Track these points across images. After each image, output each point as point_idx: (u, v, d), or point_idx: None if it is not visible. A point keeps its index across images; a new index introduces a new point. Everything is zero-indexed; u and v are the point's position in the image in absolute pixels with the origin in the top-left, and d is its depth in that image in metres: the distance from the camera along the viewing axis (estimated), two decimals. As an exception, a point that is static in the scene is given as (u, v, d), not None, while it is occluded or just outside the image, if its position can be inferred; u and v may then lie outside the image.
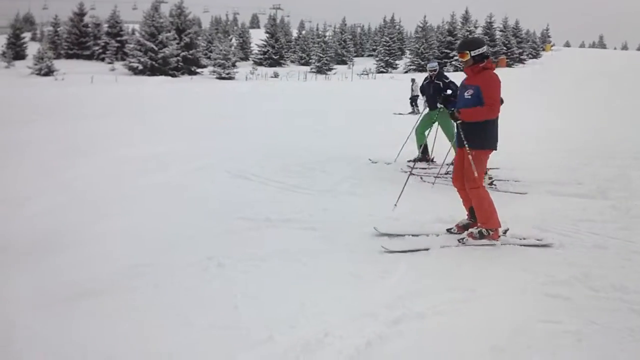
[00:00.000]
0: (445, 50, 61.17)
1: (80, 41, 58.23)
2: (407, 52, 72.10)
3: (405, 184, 5.80)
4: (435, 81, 9.07)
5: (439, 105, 8.01)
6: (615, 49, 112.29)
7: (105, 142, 10.72)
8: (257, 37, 76.43)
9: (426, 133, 9.00)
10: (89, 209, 5.95)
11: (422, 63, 56.51)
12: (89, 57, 57.53)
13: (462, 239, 4.90)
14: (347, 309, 3.50)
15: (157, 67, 47.53)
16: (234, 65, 50.77)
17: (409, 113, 20.55)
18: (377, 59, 68.73)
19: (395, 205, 5.49)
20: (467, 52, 4.94)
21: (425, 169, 8.74)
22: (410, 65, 63.13)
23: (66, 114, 16.43)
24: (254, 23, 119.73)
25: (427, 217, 5.63)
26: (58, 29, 61.76)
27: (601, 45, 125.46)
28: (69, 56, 57.17)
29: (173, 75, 47.52)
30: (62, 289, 3.75)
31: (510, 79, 35.24)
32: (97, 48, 57.91)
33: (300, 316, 3.38)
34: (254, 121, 16.17)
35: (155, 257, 4.40)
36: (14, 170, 7.85)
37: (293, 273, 4.14)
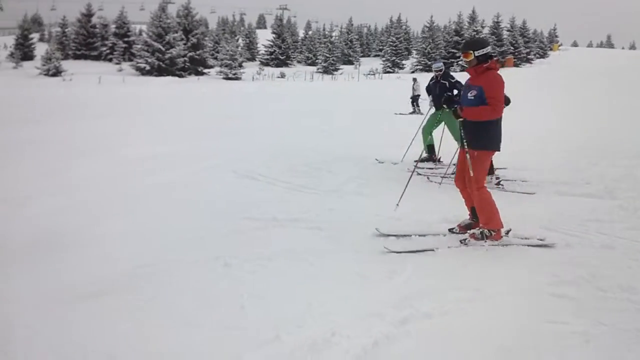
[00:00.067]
0: (452, 50, 60.97)
1: (88, 42, 58.46)
2: (414, 52, 71.91)
3: (408, 183, 5.78)
4: (441, 81, 9.06)
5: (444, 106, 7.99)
6: (623, 48, 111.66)
7: (111, 142, 10.77)
8: (264, 38, 76.45)
9: (433, 133, 9.00)
10: (94, 209, 5.98)
11: (429, 63, 56.31)
12: (97, 58, 57.73)
13: (464, 239, 4.88)
14: (354, 308, 3.50)
15: (164, 68, 47.64)
16: (240, 66, 50.81)
17: (410, 113, 20.51)
18: (384, 59, 68.60)
19: (397, 205, 5.49)
20: (471, 52, 4.91)
21: (432, 169, 8.73)
22: (417, 65, 62.99)
23: (73, 114, 16.51)
24: (261, 23, 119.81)
25: (434, 217, 5.63)
26: (66, 30, 61.99)
27: (609, 44, 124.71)
28: (76, 57, 57.39)
29: (180, 76, 47.62)
30: (66, 288, 3.77)
31: (518, 79, 35.18)
32: (104, 49, 58.11)
33: (307, 316, 3.39)
34: (260, 121, 16.19)
35: (162, 257, 4.42)
36: (24, 169, 7.89)
37: (300, 273, 4.15)
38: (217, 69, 51.51)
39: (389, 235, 4.99)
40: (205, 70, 52.88)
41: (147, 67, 47.27)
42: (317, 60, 69.86)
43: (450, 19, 68.93)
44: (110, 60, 56.33)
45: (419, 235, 5.03)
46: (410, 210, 5.75)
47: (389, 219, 5.49)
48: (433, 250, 4.69)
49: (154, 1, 55.32)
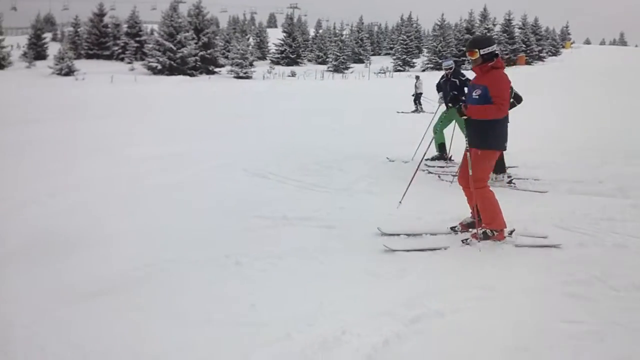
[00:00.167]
0: (463, 48, 60.54)
1: (100, 41, 58.88)
2: (425, 50, 71.69)
3: (411, 181, 5.77)
4: (452, 79, 9.01)
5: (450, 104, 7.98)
6: (636, 46, 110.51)
7: (123, 142, 10.82)
8: (275, 37, 76.63)
9: (444, 131, 8.97)
10: (107, 207, 6.02)
11: (440, 61, 56.18)
12: (109, 57, 58.13)
13: (466, 239, 4.84)
14: (365, 307, 3.50)
15: (175, 67, 47.90)
16: (251, 65, 50.98)
17: (413, 111, 20.43)
18: (394, 57, 68.53)
19: (400, 202, 5.47)
20: (476, 50, 4.83)
21: (442, 167, 8.69)
22: (428, 64, 62.80)
23: (85, 113, 16.64)
24: (272, 22, 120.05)
25: (445, 216, 5.60)
26: (78, 30, 62.50)
27: (622, 42, 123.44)
28: (89, 56, 57.85)
29: (191, 75, 47.86)
30: (84, 285, 3.80)
31: (530, 77, 34.96)
32: (116, 48, 58.50)
33: (318, 314, 3.38)
34: (271, 120, 16.22)
35: (173, 255, 4.43)
36: (36, 168, 7.95)
37: (310, 271, 4.15)
38: (228, 68, 51.70)
39: (392, 235, 4.97)
40: (216, 69, 53.08)
41: (159, 67, 47.56)
42: (327, 59, 69.88)
43: (462, 17, 68.84)
44: (122, 59, 56.71)
45: (431, 234, 5.01)
46: (421, 209, 5.73)
47: (399, 218, 5.47)
48: (442, 249, 4.67)
49: (165, 0, 55.45)
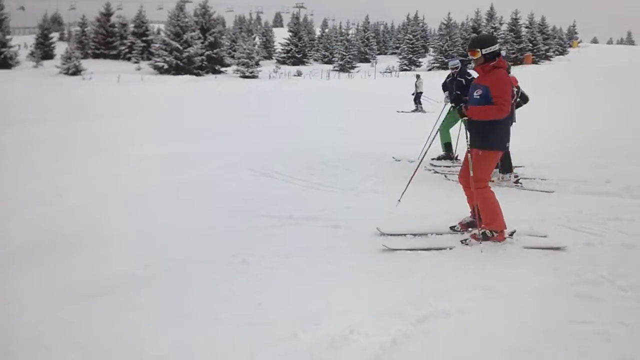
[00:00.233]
0: (469, 48, 60.36)
1: (107, 41, 59.04)
2: (431, 49, 71.51)
3: (411, 180, 5.76)
4: (458, 78, 9.00)
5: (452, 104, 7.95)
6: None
7: (128, 141, 10.88)
8: (281, 36, 76.62)
9: (450, 131, 8.95)
10: (114, 206, 6.04)
11: (446, 60, 56.04)
12: (116, 57, 58.28)
13: (465, 239, 4.82)
14: (372, 306, 3.50)
15: (182, 67, 47.99)
16: (257, 64, 50.99)
17: (412, 111, 20.38)
18: (400, 56, 68.38)
19: (399, 200, 5.48)
20: (478, 50, 4.78)
21: (449, 167, 8.68)
22: (434, 63, 62.65)
23: (90, 113, 16.71)
24: (278, 22, 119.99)
25: (452, 215, 5.58)
26: (85, 29, 62.67)
27: (629, 41, 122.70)
28: (96, 56, 58.00)
29: (197, 74, 47.93)
30: (89, 284, 3.82)
31: (536, 76, 34.81)
32: (123, 48, 58.64)
33: (325, 313, 3.39)
34: (277, 119, 16.24)
35: (180, 254, 4.45)
36: (47, 167, 8.00)
37: (317, 270, 4.15)
38: (234, 67, 51.74)
39: (392, 235, 4.96)
40: (223, 69, 53.16)
41: (165, 66, 47.66)
42: (333, 59, 69.87)
43: (468, 16, 68.61)
44: (128, 59, 56.84)
45: (437, 234, 5.01)
46: (428, 208, 5.73)
47: (405, 217, 5.47)
48: (448, 248, 4.66)
49: (171, 0, 55.60)
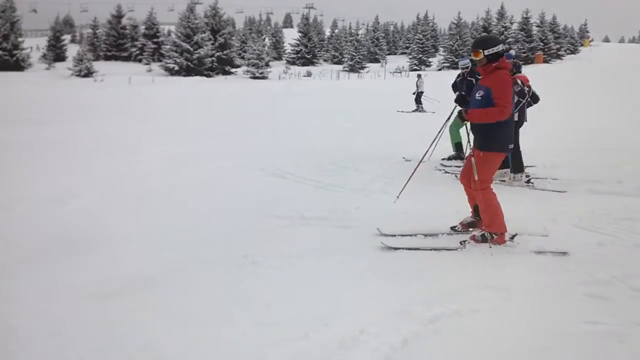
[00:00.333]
0: (480, 47, 60.04)
1: (118, 43, 59.48)
2: (441, 49, 71.28)
3: (411, 176, 5.75)
4: (468, 78, 8.97)
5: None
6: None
7: (140, 141, 10.94)
8: (290, 37, 76.75)
9: (461, 131, 8.92)
10: (124, 206, 6.07)
11: (456, 60, 55.85)
12: (127, 59, 58.69)
13: (464, 241, 4.79)
14: (383, 306, 3.49)
15: (192, 68, 48.21)
16: (267, 65, 51.11)
17: (413, 111, 20.30)
18: (410, 56, 68.25)
19: (398, 197, 5.44)
20: (480, 51, 4.73)
21: (459, 167, 8.63)
22: (444, 63, 62.46)
23: (103, 114, 16.81)
24: (287, 23, 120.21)
25: (463, 215, 5.56)
26: (97, 31, 63.15)
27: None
28: (107, 58, 58.45)
29: (208, 76, 48.13)
30: (105, 284, 3.85)
31: (547, 75, 34.58)
32: (134, 49, 59.04)
33: (335, 314, 3.39)
34: (287, 120, 16.25)
35: (191, 254, 4.47)
36: (58, 168, 8.06)
37: (327, 271, 4.16)
38: (244, 68, 51.91)
39: (402, 235, 4.95)
40: (233, 70, 53.33)
41: (176, 68, 47.90)
42: (343, 59, 69.87)
43: (478, 15, 68.20)
44: (139, 61, 57.22)
45: (448, 234, 5.01)
46: (439, 208, 5.71)
47: (416, 217, 5.46)
48: (459, 249, 4.65)
49: (182, 2, 55.85)
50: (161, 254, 4.50)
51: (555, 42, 65.72)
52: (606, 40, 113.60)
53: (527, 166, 7.76)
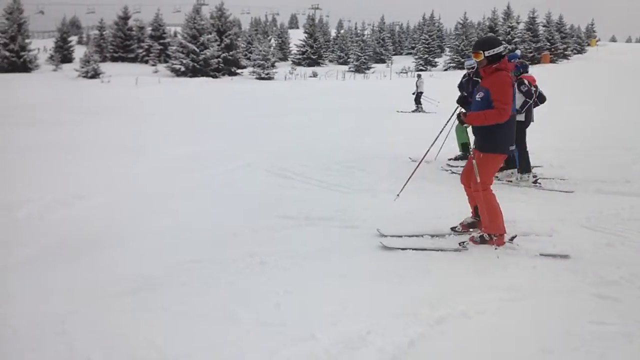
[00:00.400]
0: (486, 47, 59.83)
1: (125, 44, 59.61)
2: (447, 49, 71.09)
3: (411, 176, 5.73)
4: (474, 78, 8.94)
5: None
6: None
7: (146, 142, 10.95)
8: (296, 37, 76.70)
9: (467, 131, 8.89)
10: (134, 206, 6.09)
11: (462, 60, 55.65)
12: (133, 60, 58.81)
13: (463, 242, 4.77)
14: (389, 307, 3.49)
15: (198, 69, 48.27)
16: (273, 66, 51.09)
17: (413, 111, 20.24)
18: (416, 57, 68.09)
19: (398, 195, 5.42)
20: (481, 52, 4.71)
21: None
22: (450, 63, 62.31)
23: (110, 115, 16.87)
24: (293, 23, 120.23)
25: (465, 215, 5.55)
26: (104, 33, 63.34)
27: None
28: (114, 59, 58.59)
29: (214, 76, 48.16)
30: (111, 284, 3.86)
31: (554, 75, 34.43)
32: (140, 51, 59.16)
33: (342, 314, 3.39)
34: (293, 120, 16.26)
35: (198, 255, 4.48)
36: (68, 168, 8.09)
37: (334, 271, 4.15)
38: (250, 69, 51.92)
39: (408, 236, 4.94)
40: (239, 71, 53.36)
41: (182, 69, 47.96)
42: (349, 59, 69.78)
43: (485, 15, 68.00)
44: (146, 62, 57.31)
45: (456, 233, 5.00)
46: (444, 209, 5.70)
47: (421, 217, 5.46)
48: (465, 250, 4.64)
49: (188, 3, 56.02)
50: (166, 254, 4.52)
51: (562, 42, 65.36)
52: (613, 40, 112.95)
53: (535, 166, 7.74)
